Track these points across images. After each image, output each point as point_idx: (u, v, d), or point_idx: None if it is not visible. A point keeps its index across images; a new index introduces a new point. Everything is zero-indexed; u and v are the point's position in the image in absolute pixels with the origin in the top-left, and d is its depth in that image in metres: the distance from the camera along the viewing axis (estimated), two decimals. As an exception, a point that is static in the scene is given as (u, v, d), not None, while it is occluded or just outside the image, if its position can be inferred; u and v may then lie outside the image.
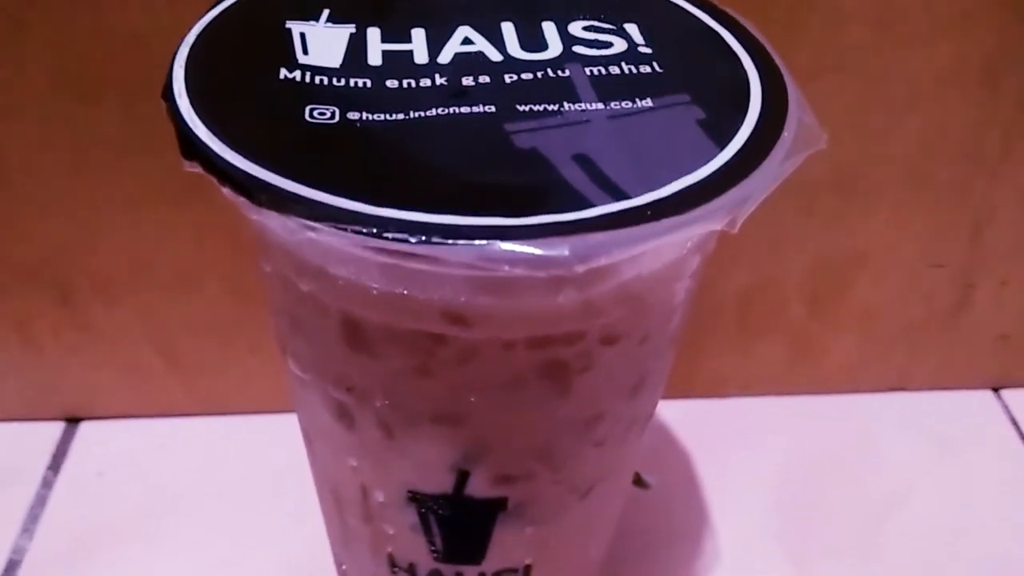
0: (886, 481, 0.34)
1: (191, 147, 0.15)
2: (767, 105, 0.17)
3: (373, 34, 0.19)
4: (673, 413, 0.37)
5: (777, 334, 0.35)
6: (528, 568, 0.22)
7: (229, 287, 0.31)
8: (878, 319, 0.35)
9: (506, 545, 0.21)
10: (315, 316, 0.17)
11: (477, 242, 0.14)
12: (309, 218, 0.14)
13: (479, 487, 0.19)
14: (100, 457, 0.34)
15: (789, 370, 0.37)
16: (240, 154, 0.15)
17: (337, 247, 0.15)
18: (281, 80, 0.17)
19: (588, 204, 0.15)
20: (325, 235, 0.14)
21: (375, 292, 0.16)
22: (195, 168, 0.15)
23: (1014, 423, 0.38)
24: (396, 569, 0.23)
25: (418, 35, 0.19)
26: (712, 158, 0.16)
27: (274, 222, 0.14)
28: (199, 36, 0.18)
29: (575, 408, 0.18)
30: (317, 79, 0.17)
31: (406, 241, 0.14)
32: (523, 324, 0.16)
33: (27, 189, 0.28)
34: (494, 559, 0.22)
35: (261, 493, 0.32)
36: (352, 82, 0.17)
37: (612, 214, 0.14)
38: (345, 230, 0.14)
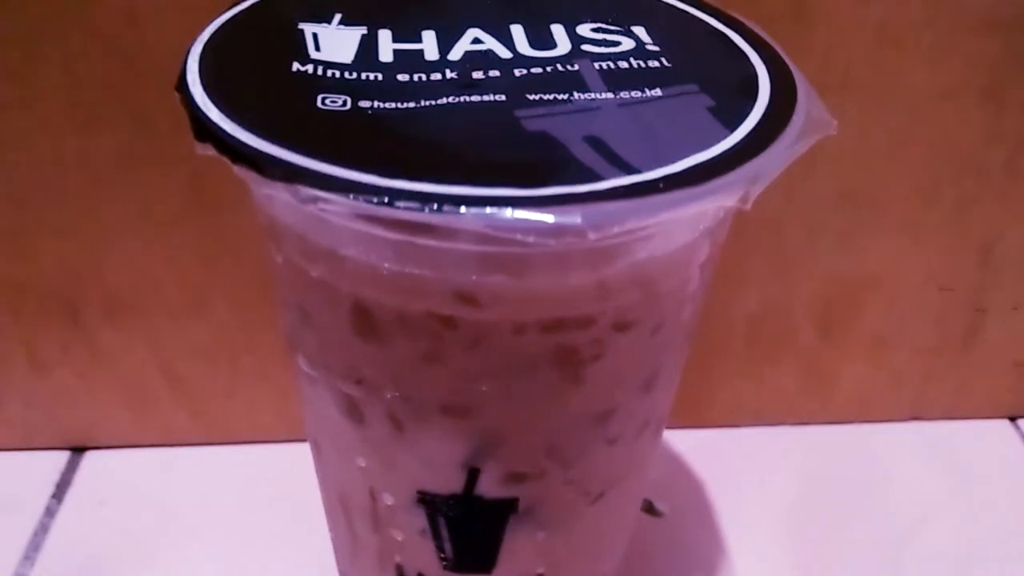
0: (903, 512, 0.34)
1: (204, 129, 0.15)
2: (776, 94, 0.17)
3: (384, 35, 0.19)
4: (685, 442, 0.36)
5: (788, 361, 0.35)
6: (540, 578, 0.22)
7: (236, 309, 0.31)
8: (889, 346, 0.35)
9: (517, 552, 0.21)
10: (325, 304, 0.17)
11: (489, 210, 0.14)
12: (320, 189, 0.14)
13: (489, 486, 0.19)
14: (104, 486, 0.33)
15: (801, 399, 0.37)
16: (252, 133, 0.15)
17: (348, 225, 0.15)
18: (293, 72, 0.17)
19: (600, 178, 0.15)
20: (336, 206, 0.14)
21: (386, 273, 0.16)
22: (208, 150, 0.15)
23: (1033, 453, 0.37)
24: (405, 581, 0.22)
25: (428, 36, 0.19)
26: (723, 139, 0.16)
27: (284, 196, 0.14)
28: (213, 35, 0.18)
29: (587, 400, 0.18)
30: (329, 72, 0.18)
31: (417, 210, 0.14)
32: (535, 305, 0.16)
33: (38, 209, 0.29)
34: (505, 567, 0.21)
35: (265, 524, 0.32)
36: (363, 75, 0.18)
37: (625, 186, 0.14)
38: (356, 200, 0.14)
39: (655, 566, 0.32)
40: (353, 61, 0.18)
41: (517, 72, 0.18)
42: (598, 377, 0.18)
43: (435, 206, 0.14)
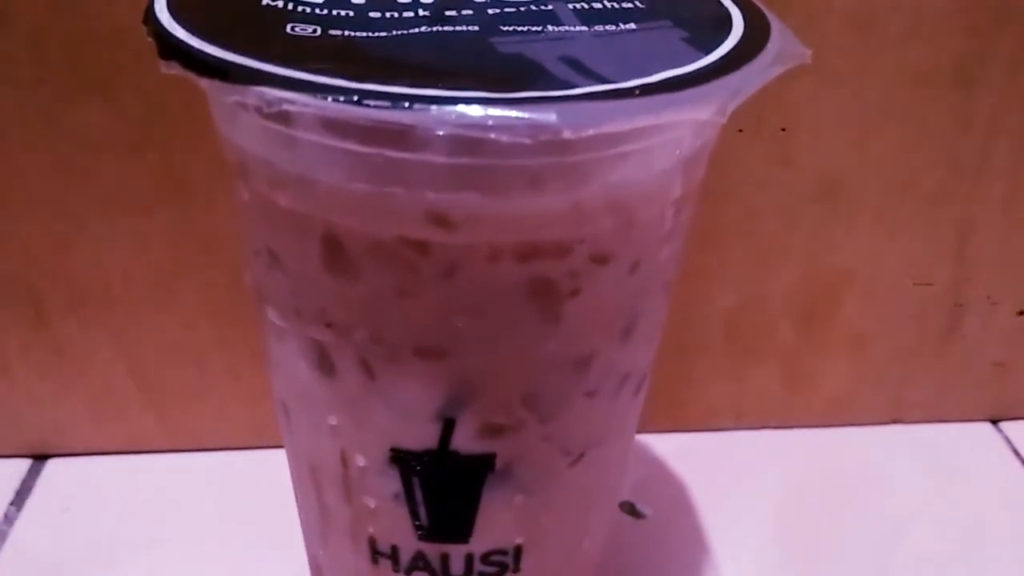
0: (887, 516, 0.33)
1: (168, 46, 0.15)
2: (750, 28, 0.17)
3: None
4: (666, 446, 0.36)
5: (768, 359, 0.35)
6: (519, 549, 0.21)
7: (206, 302, 0.30)
8: (869, 343, 0.35)
9: (494, 519, 0.20)
10: (295, 239, 0.17)
11: (461, 107, 0.13)
12: (288, 90, 0.14)
13: (465, 440, 0.18)
14: (66, 493, 0.32)
15: (782, 401, 0.36)
16: (219, 47, 0.15)
17: (316, 141, 0.15)
18: (263, 5, 0.17)
19: (575, 86, 0.14)
20: (304, 108, 0.14)
21: (356, 195, 0.15)
22: (173, 69, 0.15)
23: (1017, 455, 0.37)
24: (378, 556, 0.21)
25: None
26: (698, 60, 0.16)
27: (252, 100, 0.14)
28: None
29: (565, 342, 0.17)
30: (300, 8, 0.17)
31: (387, 108, 0.13)
32: (509, 228, 0.15)
33: (5, 194, 0.28)
34: (482, 536, 0.20)
35: (234, 534, 0.31)
36: (335, 12, 0.17)
37: (600, 91, 0.14)
38: (324, 100, 0.13)
39: (638, 568, 0.31)
40: (325, 1, 0.18)
41: (491, 11, 0.18)
42: (576, 316, 0.17)
43: (406, 104, 0.13)
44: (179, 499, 0.32)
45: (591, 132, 0.14)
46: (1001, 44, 0.29)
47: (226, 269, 0.30)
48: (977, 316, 0.35)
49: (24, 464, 0.33)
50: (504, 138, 0.13)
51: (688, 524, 0.33)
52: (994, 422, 0.38)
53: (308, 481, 0.21)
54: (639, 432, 0.36)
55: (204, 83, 0.14)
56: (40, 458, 0.33)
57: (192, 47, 0.15)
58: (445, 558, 0.21)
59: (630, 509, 0.33)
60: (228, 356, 0.31)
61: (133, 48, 0.26)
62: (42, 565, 0.30)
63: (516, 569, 0.21)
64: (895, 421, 0.37)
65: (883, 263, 0.33)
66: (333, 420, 0.19)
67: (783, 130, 0.30)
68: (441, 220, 0.15)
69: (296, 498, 0.23)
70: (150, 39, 0.16)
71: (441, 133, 0.14)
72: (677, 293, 0.28)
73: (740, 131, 0.29)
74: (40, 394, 0.32)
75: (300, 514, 0.24)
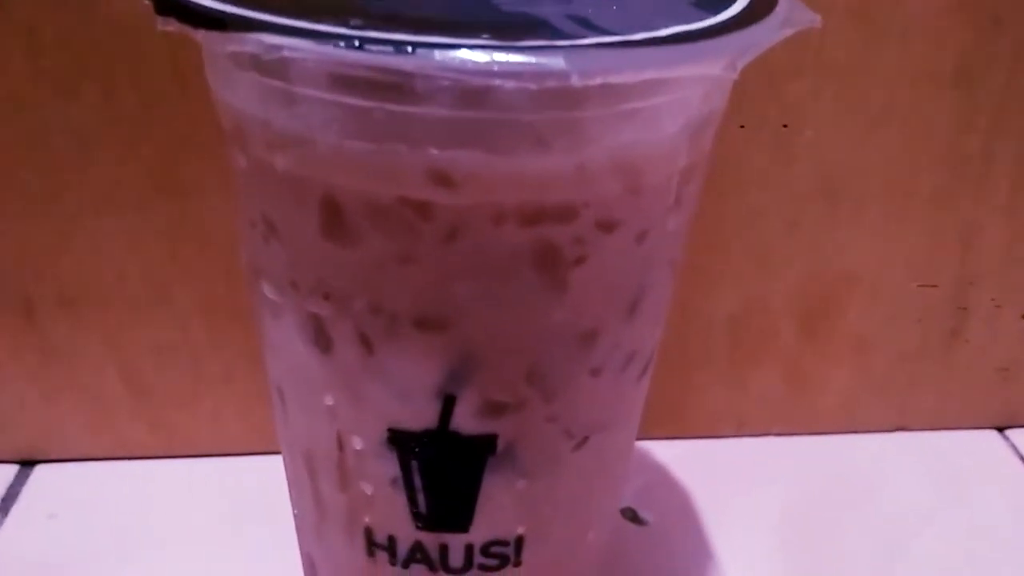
0: (891, 525, 0.33)
1: (165, 1, 0.15)
2: (758, -3, 0.17)
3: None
4: (668, 452, 0.35)
5: (771, 364, 0.34)
6: (520, 540, 0.20)
7: (201, 302, 0.30)
8: (873, 348, 0.34)
9: (495, 506, 0.19)
10: (293, 205, 0.16)
11: (465, 52, 0.13)
12: (287, 36, 0.13)
13: (466, 419, 0.18)
14: (53, 500, 0.31)
15: (785, 407, 0.35)
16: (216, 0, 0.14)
17: (315, 95, 0.14)
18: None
19: (582, 38, 0.14)
20: (304, 55, 0.13)
21: (356, 153, 0.15)
22: (169, 25, 0.14)
23: None
24: (374, 548, 0.20)
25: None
26: (707, 20, 0.15)
27: (249, 49, 0.13)
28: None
29: (570, 315, 0.17)
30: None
31: (389, 54, 0.13)
32: (513, 188, 0.15)
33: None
34: (482, 525, 0.20)
35: (227, 542, 0.30)
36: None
37: (608, 43, 0.14)
38: (324, 46, 0.13)
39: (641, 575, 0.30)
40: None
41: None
42: (582, 286, 0.17)
43: (409, 49, 0.13)
44: (168, 507, 0.31)
45: (599, 80, 0.13)
46: (1001, 43, 0.29)
47: (222, 268, 0.29)
48: (981, 319, 0.34)
49: (11, 470, 0.32)
50: (510, 85, 0.13)
51: (691, 531, 0.32)
52: (1000, 430, 0.37)
53: (303, 470, 0.21)
54: (640, 439, 0.35)
55: (201, 35, 0.14)
56: (28, 464, 0.32)
57: (189, 0, 0.14)
58: (444, 549, 0.20)
59: (632, 516, 0.32)
60: (223, 359, 0.31)
61: (129, 39, 0.26)
62: (28, 571, 0.29)
63: (517, 562, 0.21)
64: (900, 428, 0.37)
65: (886, 265, 0.33)
66: (330, 400, 0.18)
67: (785, 126, 0.29)
68: (443, 179, 0.15)
69: (290, 494, 0.23)
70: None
71: (445, 83, 0.13)
72: (679, 296, 0.28)
73: (742, 127, 0.29)
74: (29, 397, 0.31)
75: (294, 510, 0.23)
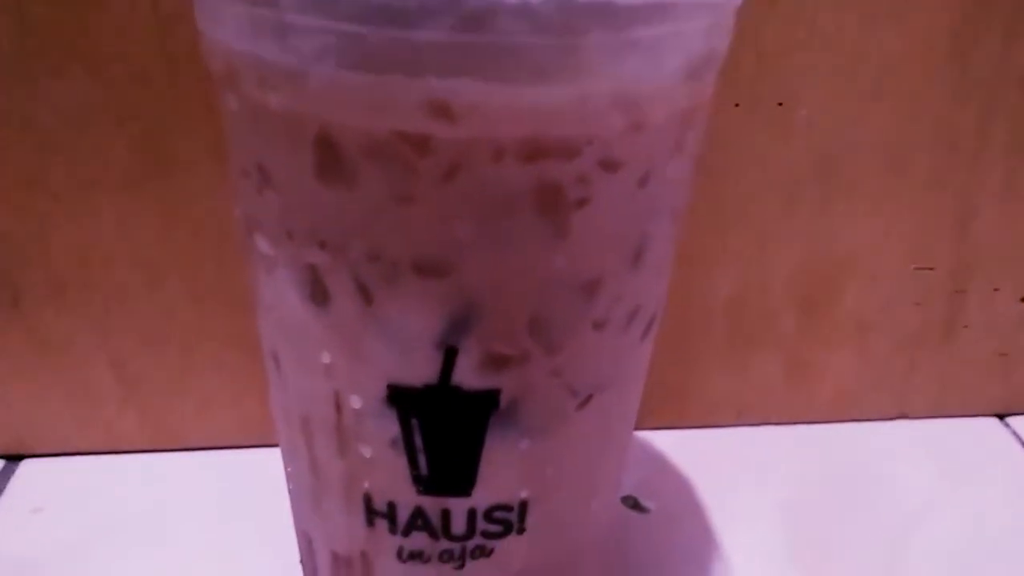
0: (895, 512, 0.32)
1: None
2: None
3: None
4: (668, 441, 0.35)
5: (770, 350, 0.34)
6: (524, 505, 0.20)
7: (193, 287, 0.29)
8: (872, 331, 0.34)
9: (498, 468, 0.19)
10: (287, 148, 0.16)
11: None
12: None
13: (467, 373, 0.17)
14: (39, 494, 0.31)
15: (785, 395, 0.35)
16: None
17: (309, 23, 0.14)
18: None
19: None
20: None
21: (352, 86, 0.14)
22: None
23: (1025, 449, 0.36)
24: (374, 515, 0.20)
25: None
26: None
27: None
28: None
29: (572, 262, 0.17)
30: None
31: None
32: (514, 120, 0.15)
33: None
34: (485, 488, 0.19)
35: (217, 538, 0.29)
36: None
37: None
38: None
39: (648, 564, 0.30)
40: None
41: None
42: (584, 230, 0.16)
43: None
44: (156, 501, 0.31)
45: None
46: (995, 19, 0.29)
47: (214, 251, 0.29)
48: (980, 303, 0.34)
49: (-4, 465, 0.32)
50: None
51: (693, 519, 0.31)
52: (1001, 417, 0.37)
53: (299, 438, 0.20)
54: (639, 428, 0.35)
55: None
56: (14, 458, 0.32)
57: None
58: (446, 515, 0.19)
59: (633, 503, 0.32)
60: (214, 347, 0.30)
61: (116, 13, 0.25)
62: (12, 567, 0.28)
63: (521, 529, 0.20)
64: (901, 416, 0.36)
65: (884, 246, 0.32)
66: (327, 358, 0.18)
67: (780, 104, 0.29)
68: (442, 111, 0.14)
69: (285, 468, 0.22)
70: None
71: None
72: (676, 279, 0.27)
73: (737, 105, 0.29)
74: (14, 388, 0.30)
75: (289, 485, 0.22)
